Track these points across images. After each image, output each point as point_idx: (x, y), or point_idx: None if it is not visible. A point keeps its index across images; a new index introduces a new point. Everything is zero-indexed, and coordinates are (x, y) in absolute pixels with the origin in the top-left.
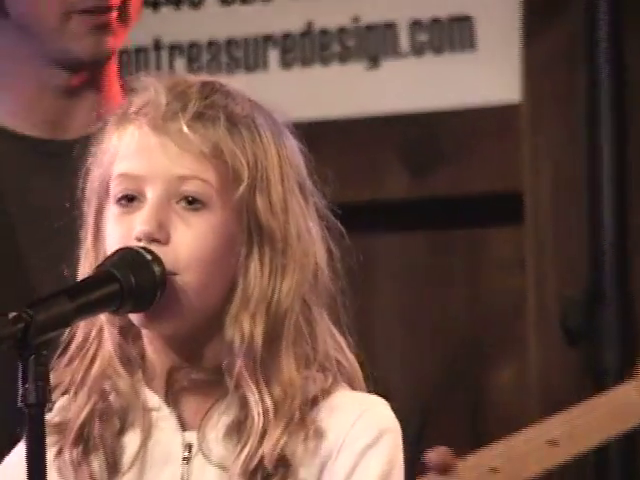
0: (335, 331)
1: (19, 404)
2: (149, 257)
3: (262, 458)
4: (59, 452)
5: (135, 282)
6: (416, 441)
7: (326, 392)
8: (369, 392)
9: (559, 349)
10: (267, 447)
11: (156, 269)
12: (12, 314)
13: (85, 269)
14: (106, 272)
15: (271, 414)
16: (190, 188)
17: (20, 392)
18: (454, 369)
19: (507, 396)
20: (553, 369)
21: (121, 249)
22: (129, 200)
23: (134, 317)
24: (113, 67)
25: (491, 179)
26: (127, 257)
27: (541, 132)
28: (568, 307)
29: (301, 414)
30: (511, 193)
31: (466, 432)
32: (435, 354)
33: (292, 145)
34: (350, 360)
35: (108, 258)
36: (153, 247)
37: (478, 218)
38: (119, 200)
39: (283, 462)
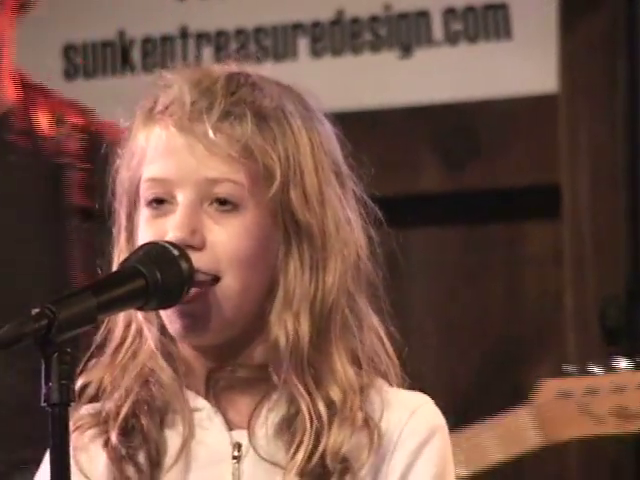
0: (376, 321)
1: (42, 403)
2: (176, 252)
3: (322, 457)
4: (106, 443)
5: (161, 278)
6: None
7: (369, 386)
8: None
9: (598, 348)
10: (328, 446)
11: (183, 265)
12: (35, 310)
13: None
14: (131, 267)
15: (325, 415)
16: (221, 190)
17: (43, 391)
18: (490, 367)
19: None
20: None
21: (147, 244)
22: (159, 203)
23: (173, 330)
24: None
25: (528, 172)
26: (152, 252)
27: (579, 123)
28: (607, 305)
29: (364, 415)
30: (549, 186)
31: None
32: (471, 352)
33: (325, 130)
34: (390, 353)
35: (133, 253)
36: (189, 254)
37: (515, 212)
38: (149, 203)
39: (342, 460)
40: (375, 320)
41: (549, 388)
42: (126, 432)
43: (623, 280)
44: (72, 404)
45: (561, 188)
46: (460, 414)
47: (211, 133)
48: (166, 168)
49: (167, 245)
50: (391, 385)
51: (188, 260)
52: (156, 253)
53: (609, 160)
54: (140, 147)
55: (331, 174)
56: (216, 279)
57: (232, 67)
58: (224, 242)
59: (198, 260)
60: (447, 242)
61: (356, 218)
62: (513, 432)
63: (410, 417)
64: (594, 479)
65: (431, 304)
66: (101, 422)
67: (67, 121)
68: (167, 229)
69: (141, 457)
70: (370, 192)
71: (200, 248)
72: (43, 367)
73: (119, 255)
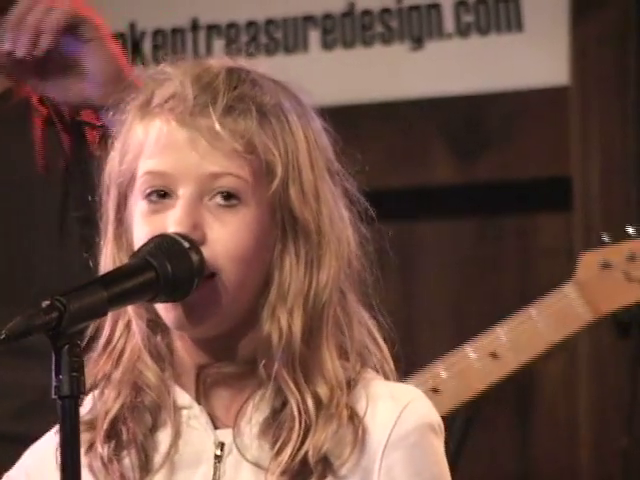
0: (366, 316)
1: (52, 396)
2: (187, 245)
3: (305, 456)
4: (90, 448)
5: (172, 270)
6: (462, 435)
7: (356, 380)
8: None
9: (609, 340)
10: (312, 445)
11: (194, 257)
12: (45, 303)
13: (108, 259)
14: (142, 260)
15: (313, 412)
16: (223, 185)
17: (53, 384)
18: None
19: (557, 387)
20: (603, 360)
21: (157, 236)
22: (158, 196)
23: (169, 321)
24: None
25: (540, 164)
26: (163, 245)
27: (590, 115)
28: None
29: (349, 412)
30: (560, 178)
31: (515, 425)
32: None
33: (318, 126)
34: (381, 346)
35: (143, 246)
36: None
37: (527, 204)
38: (147, 196)
39: (325, 462)
40: (365, 315)
41: (590, 261)
42: (112, 437)
43: None
44: (82, 397)
45: (572, 180)
46: (472, 407)
47: (218, 126)
48: (167, 162)
49: (178, 237)
50: (386, 378)
51: (199, 252)
52: (167, 245)
53: (620, 152)
54: (137, 140)
55: (325, 170)
56: (213, 274)
57: (228, 61)
58: (224, 238)
59: None
60: (459, 234)
61: (347, 214)
62: (564, 311)
63: (400, 414)
64: (605, 470)
65: (443, 296)
66: (88, 426)
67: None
68: (167, 224)
69: (127, 462)
70: (381, 187)
71: (201, 243)
72: (53, 359)
73: (107, 247)
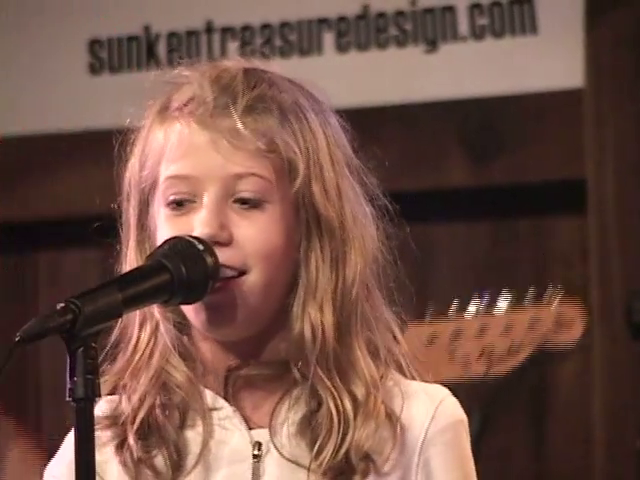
0: (389, 314)
1: (67, 399)
2: (201, 247)
3: (347, 455)
4: (120, 446)
5: (187, 273)
6: (476, 436)
7: (387, 377)
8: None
9: (624, 343)
10: (353, 444)
11: (209, 260)
12: (60, 305)
13: (131, 266)
14: (156, 262)
15: (350, 411)
16: (247, 186)
17: (68, 386)
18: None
19: (571, 388)
20: (617, 363)
21: (171, 238)
22: (179, 204)
23: (197, 323)
24: None
25: (554, 167)
26: (178, 247)
27: (605, 118)
28: (633, 300)
29: (386, 409)
30: (575, 181)
31: (529, 426)
32: None
33: (335, 123)
34: (404, 346)
35: (158, 248)
36: (216, 249)
37: (541, 207)
38: (170, 203)
39: (366, 456)
40: (388, 314)
41: (417, 334)
42: (143, 436)
43: None
44: (97, 399)
45: (587, 183)
46: (486, 408)
47: (240, 125)
48: (190, 165)
49: (192, 239)
50: (409, 377)
51: (213, 254)
52: (181, 247)
53: (635, 154)
54: (158, 145)
55: (345, 167)
56: (242, 273)
57: (244, 62)
58: (251, 237)
59: (225, 255)
60: (473, 237)
61: (370, 210)
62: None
63: (435, 411)
64: (620, 471)
65: (458, 299)
66: (118, 425)
67: None
68: (193, 226)
69: (159, 460)
70: (384, 186)
71: (228, 244)
72: (68, 362)
73: (129, 255)
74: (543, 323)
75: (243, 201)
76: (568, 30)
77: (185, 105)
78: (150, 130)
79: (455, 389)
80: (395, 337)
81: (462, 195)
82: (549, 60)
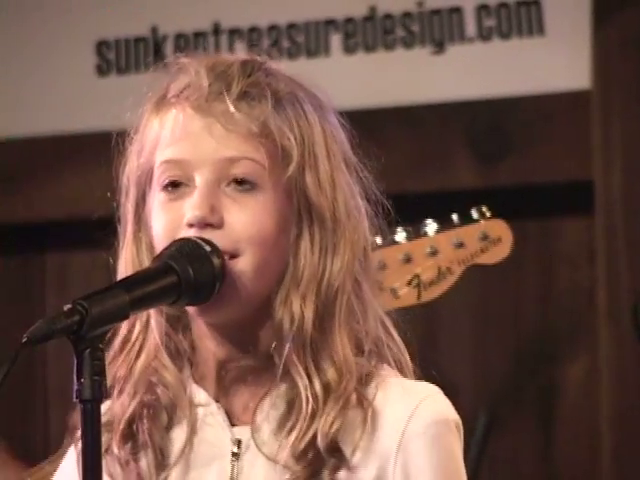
0: (382, 312)
1: (74, 399)
2: (208, 248)
3: (313, 438)
4: (106, 450)
5: (194, 274)
6: (483, 438)
7: (372, 374)
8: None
9: (631, 344)
10: (320, 427)
11: (215, 261)
12: (67, 306)
13: (127, 261)
14: (163, 264)
15: (321, 396)
16: (240, 170)
17: (75, 387)
18: (523, 363)
19: (578, 391)
20: (625, 364)
21: (179, 240)
22: (175, 186)
23: (190, 307)
24: None
25: (561, 168)
26: (185, 248)
27: (612, 119)
28: None
29: (358, 396)
30: (582, 182)
31: (535, 429)
32: (504, 347)
33: (334, 120)
34: (397, 342)
35: (165, 249)
36: (207, 232)
37: (548, 208)
38: (165, 187)
39: (336, 448)
40: (380, 309)
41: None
42: (128, 438)
43: None
44: (104, 400)
45: (594, 184)
46: (493, 409)
47: (232, 108)
48: (184, 149)
49: (199, 241)
50: (403, 374)
51: (220, 256)
52: (188, 249)
53: None
54: (154, 133)
55: (341, 162)
56: (233, 257)
57: (242, 55)
58: (243, 221)
59: (216, 238)
60: None
61: (364, 206)
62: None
63: (415, 409)
64: (627, 474)
65: (464, 300)
66: (105, 428)
67: None
68: (185, 211)
69: (143, 462)
70: (402, 190)
71: (219, 226)
72: (75, 363)
73: (126, 246)
74: (469, 242)
75: (236, 182)
76: (575, 31)
77: (181, 92)
78: (147, 120)
79: (462, 389)
80: (388, 331)
81: (469, 196)
82: (556, 61)
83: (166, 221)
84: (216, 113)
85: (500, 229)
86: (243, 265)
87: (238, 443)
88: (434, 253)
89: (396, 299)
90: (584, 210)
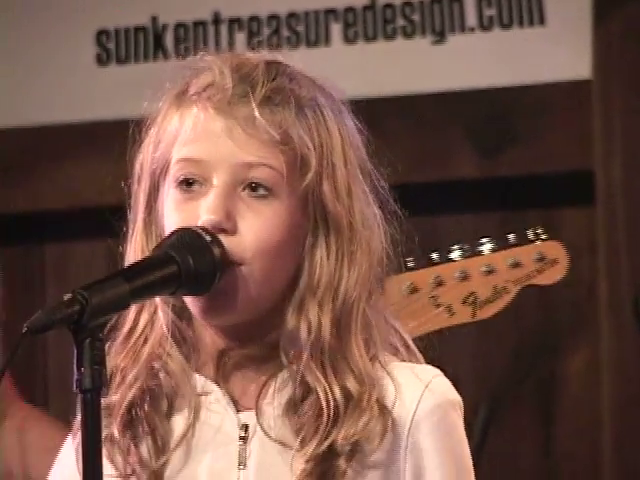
0: (389, 314)
1: (74, 389)
2: (209, 239)
3: (333, 444)
4: (107, 436)
5: (194, 264)
6: (483, 430)
7: (380, 370)
8: None
9: (632, 336)
10: (340, 437)
11: (216, 251)
12: (67, 296)
13: (136, 249)
14: (164, 253)
15: (342, 404)
16: (257, 175)
17: (75, 377)
18: (524, 355)
19: (579, 384)
20: (626, 356)
21: (179, 230)
22: (190, 184)
23: (194, 309)
24: None
25: (562, 158)
26: (185, 238)
27: (613, 109)
28: None
29: (379, 405)
30: (583, 173)
31: (537, 423)
32: (505, 340)
33: (352, 125)
34: (409, 344)
35: (165, 239)
36: (220, 237)
37: (549, 199)
38: (180, 184)
39: (352, 446)
40: (390, 314)
41: (397, 284)
42: (128, 424)
43: None
44: (104, 389)
45: (595, 174)
46: (494, 402)
47: (257, 114)
48: (203, 150)
49: (200, 231)
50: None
51: (220, 246)
52: (189, 239)
53: None
54: (173, 128)
55: (357, 169)
56: (239, 264)
57: (266, 55)
58: (256, 230)
59: (227, 244)
60: (481, 229)
61: (378, 213)
62: None
63: (423, 392)
64: (629, 468)
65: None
66: (105, 415)
67: None
68: (199, 212)
69: (144, 448)
70: (404, 181)
71: (232, 233)
72: (75, 353)
73: (136, 236)
74: (525, 263)
75: (252, 187)
76: (576, 21)
77: (204, 90)
78: (166, 113)
79: (463, 382)
80: (401, 337)
81: (470, 187)
82: (557, 51)
83: (180, 220)
84: (238, 116)
85: (557, 251)
86: (251, 272)
87: (245, 427)
88: (490, 272)
89: (450, 316)
90: (585, 201)
